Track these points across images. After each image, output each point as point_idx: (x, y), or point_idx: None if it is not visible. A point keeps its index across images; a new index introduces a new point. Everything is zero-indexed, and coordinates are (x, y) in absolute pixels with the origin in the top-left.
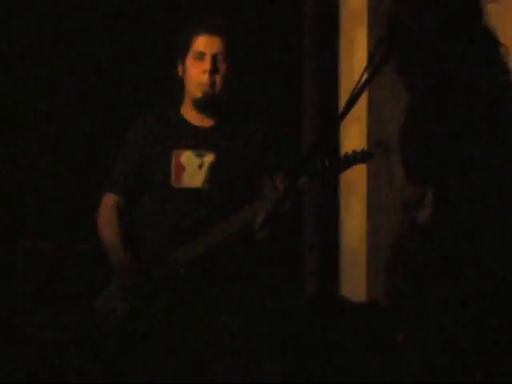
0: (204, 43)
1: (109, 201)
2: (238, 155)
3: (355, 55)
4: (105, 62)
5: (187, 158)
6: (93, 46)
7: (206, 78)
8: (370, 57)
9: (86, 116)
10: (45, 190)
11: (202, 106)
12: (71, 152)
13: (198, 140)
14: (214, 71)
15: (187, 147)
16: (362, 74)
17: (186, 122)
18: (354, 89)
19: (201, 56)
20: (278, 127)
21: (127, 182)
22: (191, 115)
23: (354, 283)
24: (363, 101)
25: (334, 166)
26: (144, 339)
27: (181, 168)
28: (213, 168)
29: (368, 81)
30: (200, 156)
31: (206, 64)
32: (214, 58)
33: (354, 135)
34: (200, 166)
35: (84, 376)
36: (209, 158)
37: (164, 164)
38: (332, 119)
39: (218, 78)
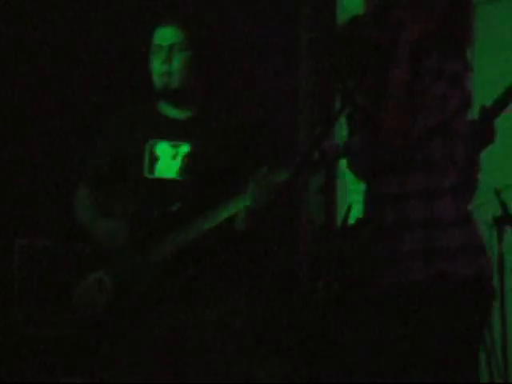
0: (160, 35)
1: (83, 189)
2: (215, 146)
3: None
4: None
5: (161, 148)
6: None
7: (162, 68)
8: None
9: (87, 113)
10: (42, 189)
11: (166, 96)
12: (69, 150)
13: (172, 131)
14: (168, 61)
15: (162, 137)
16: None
17: (160, 113)
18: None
19: (159, 48)
20: (275, 126)
21: (101, 171)
22: (166, 107)
23: None
24: None
25: (310, 163)
26: (124, 333)
27: (154, 158)
28: (187, 158)
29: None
30: (175, 146)
31: (162, 55)
32: (171, 48)
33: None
34: (174, 157)
35: (80, 374)
36: (183, 149)
37: (138, 154)
38: (328, 117)
39: (174, 68)
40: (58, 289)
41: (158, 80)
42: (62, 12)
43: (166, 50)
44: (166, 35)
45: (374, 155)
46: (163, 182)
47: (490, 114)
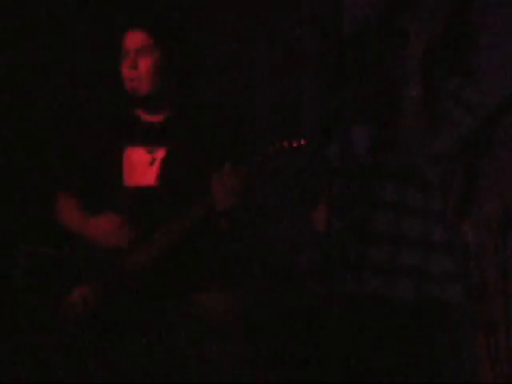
0: (126, 40)
1: (64, 199)
2: (192, 150)
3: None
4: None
5: (138, 154)
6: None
7: (129, 73)
8: None
9: (86, 118)
10: (45, 194)
11: (137, 102)
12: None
13: (148, 136)
14: (134, 66)
15: (138, 144)
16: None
17: (136, 118)
18: None
19: (126, 53)
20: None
21: (78, 180)
22: (141, 112)
23: None
24: None
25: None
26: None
27: (132, 165)
28: (163, 164)
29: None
30: (151, 152)
31: (129, 60)
32: (136, 52)
33: None
34: (151, 163)
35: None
36: (160, 154)
37: (115, 162)
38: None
39: (141, 73)
40: (59, 296)
41: (127, 85)
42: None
43: (132, 54)
44: (131, 39)
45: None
46: (141, 190)
47: None
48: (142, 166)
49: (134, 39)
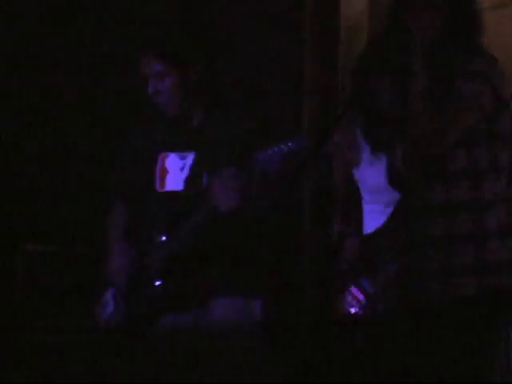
0: (143, 66)
1: (117, 209)
2: (221, 155)
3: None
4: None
5: (171, 160)
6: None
7: (152, 97)
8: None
9: (88, 118)
10: (46, 193)
11: (168, 120)
12: (72, 155)
13: (181, 142)
14: (155, 91)
15: (172, 149)
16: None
17: (171, 123)
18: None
19: (146, 78)
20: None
21: (128, 188)
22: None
23: None
24: None
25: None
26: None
27: (165, 171)
28: (192, 169)
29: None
30: (182, 158)
31: (150, 85)
32: (155, 77)
33: None
34: (182, 169)
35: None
36: (190, 160)
37: (150, 168)
38: (331, 124)
39: (165, 97)
40: (61, 294)
41: (156, 107)
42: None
43: (151, 79)
44: (147, 65)
45: (406, 164)
46: (172, 195)
47: None
48: (174, 172)
49: (151, 65)
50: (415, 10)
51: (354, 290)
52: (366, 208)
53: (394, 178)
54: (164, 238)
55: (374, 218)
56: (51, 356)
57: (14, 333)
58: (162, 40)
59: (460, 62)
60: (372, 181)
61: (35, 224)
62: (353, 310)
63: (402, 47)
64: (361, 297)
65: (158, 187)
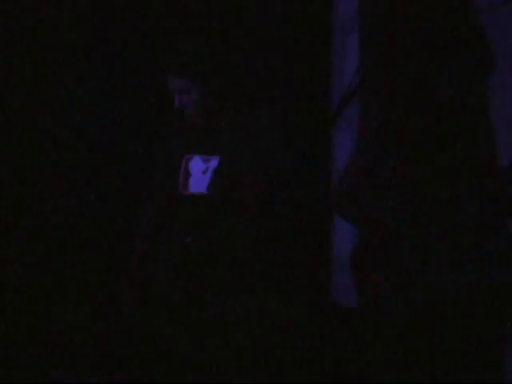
0: (167, 82)
1: (149, 204)
2: (245, 160)
3: (346, 61)
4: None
5: (194, 163)
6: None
7: (183, 116)
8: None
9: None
10: (40, 190)
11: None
12: (68, 154)
13: (204, 144)
14: (182, 107)
15: (196, 152)
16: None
17: (197, 126)
18: (345, 93)
19: (172, 92)
20: None
21: (158, 188)
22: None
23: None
24: None
25: None
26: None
27: (187, 174)
28: (216, 173)
29: (359, 85)
30: (206, 161)
31: (175, 100)
32: (180, 92)
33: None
34: (204, 172)
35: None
36: (213, 163)
37: (174, 170)
38: (323, 124)
39: (190, 111)
40: (56, 291)
41: (183, 119)
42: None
43: (176, 95)
44: (171, 82)
45: None
46: (195, 199)
47: None
48: (196, 175)
49: (174, 82)
50: None
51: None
52: None
53: None
54: (188, 240)
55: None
56: (50, 355)
57: (10, 332)
58: (182, 54)
59: None
60: None
61: (30, 220)
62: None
63: None
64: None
65: (181, 190)
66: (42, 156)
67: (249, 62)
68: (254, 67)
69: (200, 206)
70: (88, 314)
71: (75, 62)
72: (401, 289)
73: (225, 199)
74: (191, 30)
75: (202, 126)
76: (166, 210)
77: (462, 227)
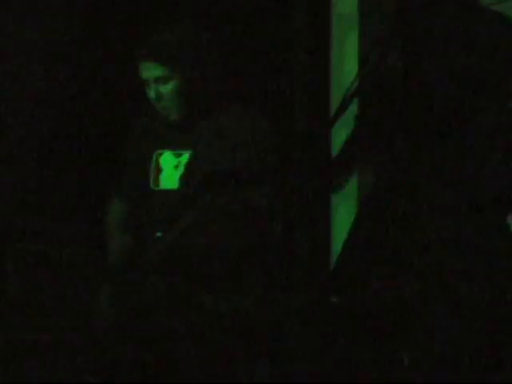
0: (142, 70)
1: (116, 203)
2: (216, 153)
3: (346, 59)
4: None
5: (165, 158)
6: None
7: (155, 104)
8: (363, 60)
9: (76, 116)
10: (35, 192)
11: (171, 124)
12: (63, 153)
13: (176, 139)
14: (156, 97)
15: (166, 147)
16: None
17: (167, 120)
18: (346, 93)
19: (146, 82)
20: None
21: (131, 184)
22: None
23: None
24: None
25: None
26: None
27: (159, 169)
28: (188, 168)
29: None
30: (177, 156)
31: (150, 92)
32: (156, 81)
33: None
34: (176, 167)
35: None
36: (185, 158)
37: (145, 166)
38: (323, 123)
39: (166, 102)
40: (52, 293)
41: (157, 110)
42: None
43: (152, 84)
44: (146, 70)
45: None
46: (166, 194)
47: None
48: (167, 170)
49: (150, 71)
50: None
51: None
52: None
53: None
54: (159, 235)
55: None
56: (42, 355)
57: (4, 332)
58: (162, 44)
59: None
60: None
61: (26, 222)
62: None
63: None
64: None
65: (152, 185)
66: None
67: (233, 56)
68: (237, 62)
69: (172, 201)
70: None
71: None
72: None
73: (196, 194)
74: (172, 17)
75: (176, 118)
76: (139, 206)
77: None
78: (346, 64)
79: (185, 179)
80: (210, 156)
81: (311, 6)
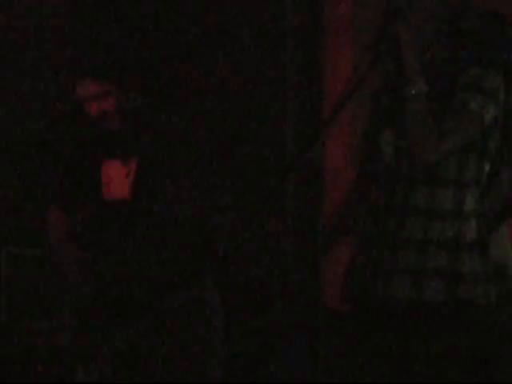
0: (78, 87)
1: (54, 211)
2: (164, 160)
3: (339, 64)
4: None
5: (115, 167)
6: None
7: (92, 118)
8: (356, 66)
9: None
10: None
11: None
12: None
13: (123, 148)
14: (101, 114)
15: (114, 156)
16: (349, 83)
17: (112, 131)
18: (340, 97)
19: (82, 99)
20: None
21: (67, 194)
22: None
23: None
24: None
25: None
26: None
27: (109, 179)
28: (136, 176)
29: (354, 89)
30: (126, 164)
31: (87, 106)
32: (96, 99)
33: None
34: (127, 175)
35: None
36: (134, 166)
37: (94, 176)
38: (316, 128)
39: (102, 117)
40: (45, 297)
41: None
42: None
43: (88, 100)
44: (82, 87)
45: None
46: (118, 203)
47: None
48: (118, 179)
49: (86, 88)
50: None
51: None
52: None
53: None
54: (112, 245)
55: None
56: (35, 358)
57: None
58: (100, 63)
59: (466, 78)
60: None
61: (19, 227)
62: None
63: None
64: None
65: (103, 195)
66: None
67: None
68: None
69: (122, 210)
70: None
71: None
72: None
73: (146, 202)
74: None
75: (121, 128)
76: (90, 216)
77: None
78: (338, 68)
79: (135, 188)
80: (156, 162)
81: (304, 8)
